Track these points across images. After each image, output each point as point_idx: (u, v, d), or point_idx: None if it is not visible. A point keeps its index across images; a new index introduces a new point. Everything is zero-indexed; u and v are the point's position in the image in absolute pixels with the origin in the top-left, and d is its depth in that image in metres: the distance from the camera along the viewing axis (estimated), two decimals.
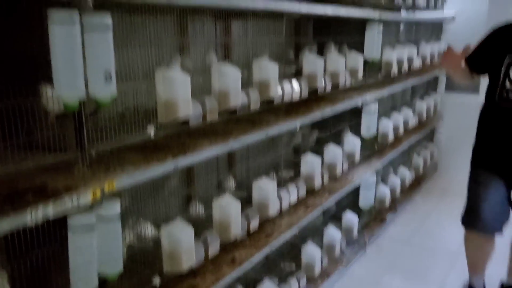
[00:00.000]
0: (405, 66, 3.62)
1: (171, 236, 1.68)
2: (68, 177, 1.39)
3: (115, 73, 1.40)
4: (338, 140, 3.02)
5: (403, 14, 3.50)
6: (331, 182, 2.90)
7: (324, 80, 2.59)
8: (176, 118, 1.63)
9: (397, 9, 3.49)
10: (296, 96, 2.39)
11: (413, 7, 3.66)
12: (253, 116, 2.21)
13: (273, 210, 2.24)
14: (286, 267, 2.64)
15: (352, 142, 3.03)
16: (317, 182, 2.66)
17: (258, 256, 2.09)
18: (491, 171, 2.22)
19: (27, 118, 1.34)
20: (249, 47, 2.36)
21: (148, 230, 1.75)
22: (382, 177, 3.74)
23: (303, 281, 2.58)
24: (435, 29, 4.64)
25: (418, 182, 4.50)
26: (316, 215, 2.66)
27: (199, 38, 2.17)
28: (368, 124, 3.23)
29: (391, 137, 3.57)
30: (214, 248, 1.92)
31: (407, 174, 4.07)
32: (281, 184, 2.47)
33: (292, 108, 2.47)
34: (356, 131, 3.20)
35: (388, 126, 3.52)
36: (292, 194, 2.46)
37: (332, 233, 2.87)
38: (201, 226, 2.01)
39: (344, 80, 2.75)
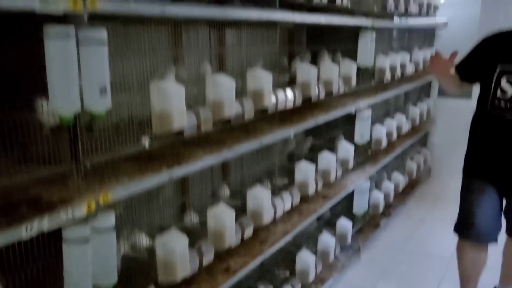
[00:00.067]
0: (398, 72, 3.65)
1: (166, 246, 1.69)
2: (63, 189, 1.40)
3: (110, 84, 1.41)
4: (332, 146, 3.04)
5: (396, 21, 3.53)
6: (325, 188, 2.92)
7: (318, 88, 2.61)
8: (170, 129, 1.64)
9: (390, 16, 3.52)
10: (290, 104, 2.40)
11: (406, 14, 3.70)
12: (247, 124, 2.22)
13: (267, 218, 2.26)
14: (280, 274, 2.65)
15: (346, 149, 3.05)
16: (311, 189, 2.67)
17: (252, 264, 2.10)
18: (484, 179, 2.23)
19: (22, 131, 1.34)
20: (243, 56, 2.38)
21: (143, 240, 1.75)
22: (376, 183, 3.76)
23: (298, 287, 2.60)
24: (428, 35, 4.68)
25: (411, 187, 4.53)
26: (310, 222, 2.68)
27: (194, 47, 2.18)
28: (362, 131, 3.25)
29: (384, 143, 3.59)
30: (208, 257, 1.93)
31: (400, 179, 4.10)
32: (276, 191, 2.48)
33: (286, 116, 2.49)
34: (350, 137, 3.22)
35: (381, 132, 3.54)
36: (287, 201, 2.48)
37: (326, 239, 2.88)
38: (195, 235, 2.02)
39: (338, 88, 2.78)
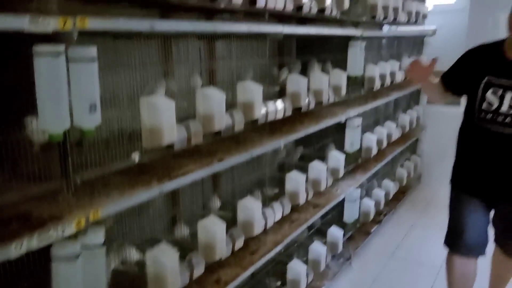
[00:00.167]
0: (388, 80, 3.68)
1: (156, 261, 1.70)
2: (53, 206, 1.40)
3: (100, 98, 1.42)
4: (322, 155, 3.06)
5: (385, 30, 3.57)
6: (316, 197, 2.93)
7: (308, 98, 2.62)
8: (160, 143, 1.65)
9: (379, 25, 3.56)
10: (280, 115, 2.42)
11: (395, 22, 3.74)
12: (237, 136, 2.23)
13: (258, 229, 2.27)
14: (271, 284, 2.66)
15: (336, 158, 3.07)
16: (302, 199, 2.69)
17: (243, 276, 2.11)
18: (471, 194, 2.23)
19: (12, 148, 1.35)
20: (233, 67, 2.39)
21: (133, 253, 1.76)
22: (366, 190, 3.79)
23: None
24: (417, 43, 4.72)
25: (402, 193, 4.57)
26: (301, 231, 2.69)
27: (184, 60, 2.19)
28: (352, 139, 3.27)
29: (374, 150, 3.62)
30: (199, 270, 1.94)
31: (391, 186, 4.13)
32: (266, 202, 2.50)
33: (276, 126, 2.51)
34: (340, 145, 3.25)
35: (371, 140, 3.57)
36: (277, 212, 2.49)
37: (317, 248, 2.90)
38: (186, 247, 2.02)
39: (328, 97, 2.80)
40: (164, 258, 1.70)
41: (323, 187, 2.89)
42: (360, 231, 3.69)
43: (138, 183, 1.67)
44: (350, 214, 3.39)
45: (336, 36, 3.00)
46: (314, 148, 3.16)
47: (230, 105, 2.11)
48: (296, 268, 2.65)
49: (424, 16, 4.41)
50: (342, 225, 3.33)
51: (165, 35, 1.99)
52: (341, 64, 3.11)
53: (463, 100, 2.32)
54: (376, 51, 3.84)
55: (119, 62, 1.86)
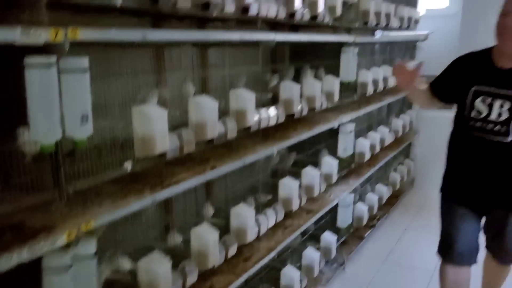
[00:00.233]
0: (381, 85, 3.70)
1: (149, 269, 1.70)
2: (45, 217, 1.40)
3: (93, 107, 1.42)
4: (315, 160, 3.07)
5: (378, 36, 3.59)
6: (309, 203, 2.94)
7: (301, 104, 2.64)
8: (153, 153, 1.65)
9: (372, 31, 3.58)
10: (273, 122, 2.43)
11: (387, 27, 3.76)
12: (230, 142, 2.24)
13: (251, 236, 2.27)
14: None
15: (329, 163, 3.08)
16: (295, 205, 2.70)
17: (236, 283, 2.11)
18: (463, 203, 2.22)
19: (4, 160, 1.35)
20: (226, 74, 2.40)
21: (126, 262, 1.75)
22: (360, 195, 3.80)
23: None
24: (409, 48, 4.75)
25: (395, 197, 4.59)
26: (294, 237, 2.69)
27: (176, 67, 2.20)
28: (345, 145, 3.29)
29: (367, 155, 3.64)
30: (192, 278, 1.94)
31: (384, 191, 4.14)
32: (259, 208, 2.50)
33: (269, 133, 2.52)
34: (333, 151, 3.26)
35: (364, 145, 3.59)
36: (270, 218, 2.50)
37: (311, 254, 2.91)
38: (179, 255, 2.03)
39: (321, 103, 2.81)
40: (156, 267, 1.71)
41: (316, 192, 2.90)
42: (353, 236, 3.70)
43: (130, 192, 1.67)
44: (343, 219, 3.40)
45: (329, 42, 3.02)
46: (307, 153, 3.16)
47: (223, 113, 2.12)
48: (290, 274, 2.66)
49: (416, 21, 4.44)
50: (336, 230, 3.34)
51: (157, 43, 2.00)
52: (334, 69, 3.12)
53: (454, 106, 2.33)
54: (369, 56, 3.86)
55: (111, 70, 1.87)
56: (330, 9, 2.84)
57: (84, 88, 1.35)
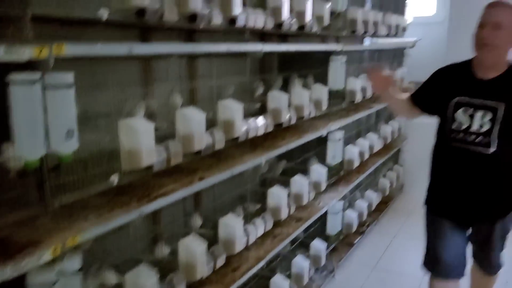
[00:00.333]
0: (369, 93, 3.72)
1: (136, 283, 1.69)
2: (30, 233, 1.40)
3: (79, 120, 1.42)
4: (304, 168, 3.08)
5: (365, 44, 3.62)
6: (298, 211, 2.95)
7: (289, 113, 2.65)
8: (139, 166, 1.65)
9: (360, 39, 3.61)
10: (261, 131, 2.44)
11: (375, 35, 3.79)
12: (218, 153, 2.24)
13: (239, 246, 2.27)
14: None
15: (318, 171, 3.09)
16: (284, 214, 2.70)
17: None
18: (448, 216, 2.22)
19: None
20: (214, 85, 2.40)
21: (112, 275, 1.75)
22: (349, 202, 3.82)
23: None
24: (397, 55, 4.79)
25: (385, 203, 4.61)
26: (283, 246, 2.70)
27: (164, 78, 2.20)
28: (334, 152, 3.30)
29: (357, 162, 3.66)
30: None
31: (373, 197, 4.17)
32: (248, 218, 2.51)
33: (257, 143, 2.52)
34: (322, 158, 3.27)
35: (353, 152, 3.61)
36: (259, 227, 2.50)
37: (300, 262, 2.91)
38: (167, 267, 2.02)
39: (309, 112, 2.83)
40: (143, 280, 1.70)
41: (305, 201, 2.91)
42: (343, 243, 3.71)
43: (117, 205, 1.67)
44: (333, 227, 3.41)
45: (318, 51, 3.04)
46: (296, 162, 3.17)
47: (211, 123, 2.13)
48: (279, 283, 2.66)
49: (404, 29, 4.48)
50: (325, 237, 3.35)
51: (144, 56, 2.00)
52: (323, 77, 3.14)
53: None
54: (357, 63, 3.89)
55: (98, 81, 1.86)
56: (318, 18, 2.86)
57: (69, 104, 1.35)
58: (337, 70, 3.18)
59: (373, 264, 3.61)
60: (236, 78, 2.49)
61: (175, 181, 1.95)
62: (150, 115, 1.87)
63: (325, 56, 3.19)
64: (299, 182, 2.87)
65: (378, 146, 4.15)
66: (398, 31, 4.31)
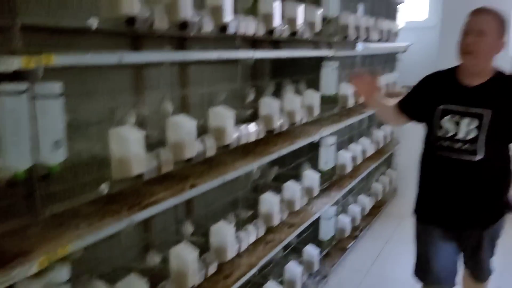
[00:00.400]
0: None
1: None
2: (20, 243, 1.39)
3: (69, 128, 1.42)
4: (297, 174, 3.09)
5: (357, 49, 3.63)
6: (291, 217, 2.95)
7: (281, 119, 2.65)
8: (130, 174, 1.65)
9: (352, 44, 3.62)
10: (252, 138, 2.44)
11: (367, 40, 3.80)
12: (210, 160, 2.24)
13: (231, 253, 2.27)
14: None
15: (311, 177, 3.10)
16: (276, 220, 2.70)
17: None
18: (437, 224, 2.22)
19: None
20: (206, 92, 2.40)
21: (101, 286, 1.74)
22: (342, 207, 3.82)
23: None
24: (389, 59, 4.81)
25: (378, 207, 4.62)
26: (275, 252, 2.70)
27: (155, 85, 2.20)
28: (326, 158, 3.31)
29: (349, 167, 3.66)
30: None
31: (366, 202, 4.18)
32: (240, 224, 2.50)
33: (249, 149, 2.52)
34: (314, 163, 3.28)
35: (346, 157, 3.61)
36: (251, 234, 2.50)
37: (293, 268, 2.91)
38: (159, 275, 2.02)
39: (301, 118, 2.83)
40: None
41: (297, 206, 2.91)
42: (336, 248, 3.71)
43: (107, 214, 1.66)
44: (326, 232, 3.42)
45: (309, 57, 3.05)
46: (288, 167, 3.18)
47: (203, 130, 2.12)
48: None
49: (396, 34, 4.50)
50: (318, 242, 3.35)
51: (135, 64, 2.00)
52: (315, 83, 3.15)
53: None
54: (349, 69, 3.90)
55: (89, 89, 1.86)
56: (310, 24, 2.87)
57: (57, 114, 1.35)
58: (329, 75, 3.20)
59: (366, 269, 3.61)
60: (227, 85, 2.50)
61: (166, 188, 1.95)
62: (141, 123, 1.87)
63: (317, 62, 3.21)
64: (291, 188, 2.87)
65: (370, 150, 4.16)
66: (390, 36, 4.34)
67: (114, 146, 1.63)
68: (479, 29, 1.98)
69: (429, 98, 2.17)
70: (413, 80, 2.47)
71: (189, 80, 2.40)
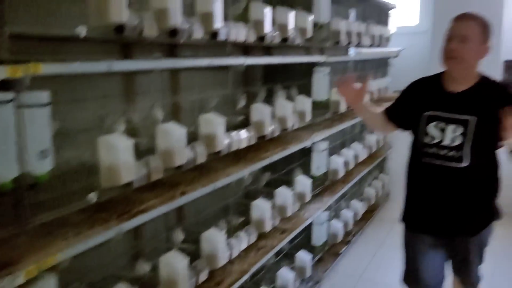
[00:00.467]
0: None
1: None
2: (7, 253, 1.38)
3: (58, 135, 1.41)
4: (289, 179, 3.09)
5: (349, 55, 3.64)
6: (283, 222, 2.94)
7: (273, 125, 2.65)
8: (119, 182, 1.64)
9: (344, 50, 3.63)
10: (244, 144, 2.44)
11: (358, 46, 3.82)
12: (201, 166, 2.23)
13: (222, 260, 2.26)
14: None
15: (303, 182, 3.10)
16: (268, 226, 2.70)
17: None
18: (425, 232, 2.22)
19: None
20: (196, 98, 2.40)
21: None
22: (335, 212, 3.83)
23: None
24: (381, 64, 4.84)
25: (370, 212, 4.63)
26: (267, 258, 2.69)
27: (146, 92, 2.19)
28: (318, 163, 3.32)
29: (341, 173, 3.67)
30: None
31: (359, 206, 4.18)
32: (231, 231, 2.50)
33: (240, 155, 2.52)
34: (306, 169, 3.28)
35: (338, 162, 3.62)
36: (243, 240, 2.50)
37: (285, 274, 2.91)
38: (149, 283, 2.01)
39: (293, 124, 2.83)
40: None
41: (290, 212, 2.91)
42: (329, 253, 3.71)
43: (97, 222, 1.65)
44: (318, 237, 3.42)
45: (301, 63, 3.05)
46: (280, 173, 3.17)
47: (194, 136, 2.12)
48: None
49: (387, 39, 4.52)
50: (311, 248, 3.35)
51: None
52: (307, 88, 3.16)
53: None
54: (341, 74, 3.91)
55: (78, 96, 1.85)
56: (301, 30, 2.88)
57: (44, 123, 1.34)
58: (320, 81, 3.20)
59: (359, 274, 3.61)
60: (219, 91, 2.49)
61: (157, 196, 1.93)
62: (131, 130, 1.87)
63: (309, 67, 3.21)
64: (283, 193, 2.87)
65: (363, 155, 4.17)
66: (382, 41, 4.36)
67: (103, 154, 1.62)
68: (462, 34, 1.98)
69: (415, 105, 2.16)
70: (405, 85, 2.47)
71: (180, 86, 2.40)
